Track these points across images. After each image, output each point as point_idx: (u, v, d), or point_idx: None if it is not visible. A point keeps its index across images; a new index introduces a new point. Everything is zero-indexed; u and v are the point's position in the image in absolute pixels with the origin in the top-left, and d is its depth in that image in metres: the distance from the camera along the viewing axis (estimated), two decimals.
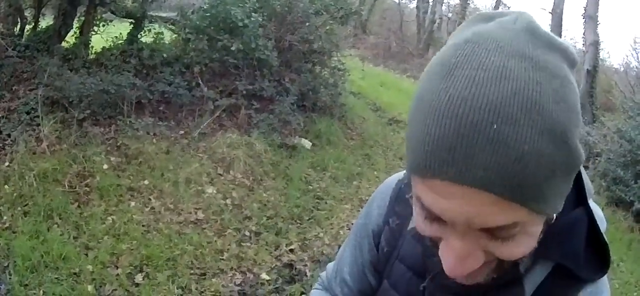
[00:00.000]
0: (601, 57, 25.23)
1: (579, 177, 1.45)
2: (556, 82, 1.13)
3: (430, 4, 41.42)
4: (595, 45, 22.59)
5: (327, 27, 15.34)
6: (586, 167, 16.47)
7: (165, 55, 12.82)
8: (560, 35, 25.45)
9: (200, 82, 12.44)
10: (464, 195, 1.13)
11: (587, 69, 22.38)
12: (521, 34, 1.16)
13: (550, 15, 26.13)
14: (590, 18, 22.86)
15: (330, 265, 2.30)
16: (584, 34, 23.31)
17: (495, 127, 1.06)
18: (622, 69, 35.90)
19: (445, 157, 1.11)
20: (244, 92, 12.61)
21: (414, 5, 44.10)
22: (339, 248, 7.39)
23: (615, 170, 15.38)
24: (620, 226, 13.67)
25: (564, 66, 1.18)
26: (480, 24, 1.24)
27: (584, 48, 23.79)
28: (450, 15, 43.02)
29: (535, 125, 1.08)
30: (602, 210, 1.55)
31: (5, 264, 7.60)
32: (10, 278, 7.31)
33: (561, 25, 25.67)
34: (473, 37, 1.19)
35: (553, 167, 1.12)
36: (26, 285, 7.24)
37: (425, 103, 1.17)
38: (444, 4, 43.27)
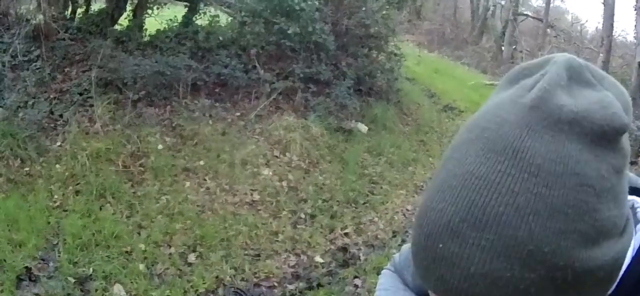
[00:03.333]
0: None
1: None
2: (541, 187, 0.96)
3: None
4: None
5: (384, 12, 15.22)
6: (634, 163, 16.13)
7: (221, 37, 12.82)
8: (611, 26, 25.08)
9: (257, 64, 12.37)
10: None
11: (639, 62, 21.90)
12: (526, 112, 1.02)
13: (603, 6, 25.69)
14: None
15: (404, 248, 2.16)
16: (635, 26, 22.84)
17: (441, 246, 1.01)
18: None
19: (415, 257, 1.10)
20: (301, 75, 12.53)
21: None
22: (393, 233, 7.22)
23: None
24: None
25: (575, 150, 0.98)
26: (503, 89, 1.14)
27: (635, 41, 23.39)
28: (503, 2, 42.64)
29: (488, 245, 0.96)
30: None
31: (55, 242, 7.61)
32: (59, 256, 7.31)
33: (613, 17, 25.20)
34: (477, 118, 1.10)
35: (521, 288, 0.97)
36: (75, 262, 7.24)
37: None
38: None
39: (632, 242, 1.15)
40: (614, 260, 1.02)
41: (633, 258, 1.17)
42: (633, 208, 1.24)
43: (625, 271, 1.13)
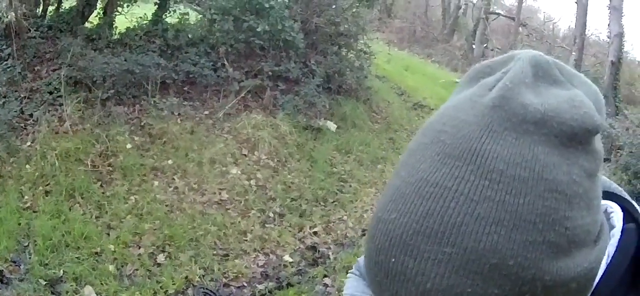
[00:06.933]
0: (625, 49, 25.02)
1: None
2: (503, 194, 0.90)
3: None
4: (619, 36, 22.45)
5: (354, 10, 15.26)
6: (608, 160, 16.26)
7: (190, 35, 12.80)
8: (584, 25, 25.35)
9: (226, 62, 12.38)
10: None
11: (611, 61, 22.28)
12: (486, 112, 0.96)
13: (576, 5, 25.98)
14: (615, 9, 22.69)
15: None
16: (608, 25, 23.20)
17: (393, 260, 0.93)
18: None
19: (368, 273, 1.03)
20: (270, 73, 12.57)
21: None
22: (362, 231, 7.23)
23: (637, 163, 14.94)
24: None
25: (542, 153, 0.93)
26: (463, 89, 1.08)
27: (608, 39, 23.76)
28: (475, 0, 42.73)
29: (445, 259, 0.89)
30: None
31: (26, 244, 7.60)
32: (30, 258, 7.31)
33: (586, 15, 25.52)
34: (433, 121, 1.03)
35: None
36: (46, 264, 7.24)
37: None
38: None
39: (607, 250, 1.09)
40: (587, 270, 0.97)
41: (608, 267, 1.09)
42: (606, 213, 1.18)
43: (599, 281, 1.07)
